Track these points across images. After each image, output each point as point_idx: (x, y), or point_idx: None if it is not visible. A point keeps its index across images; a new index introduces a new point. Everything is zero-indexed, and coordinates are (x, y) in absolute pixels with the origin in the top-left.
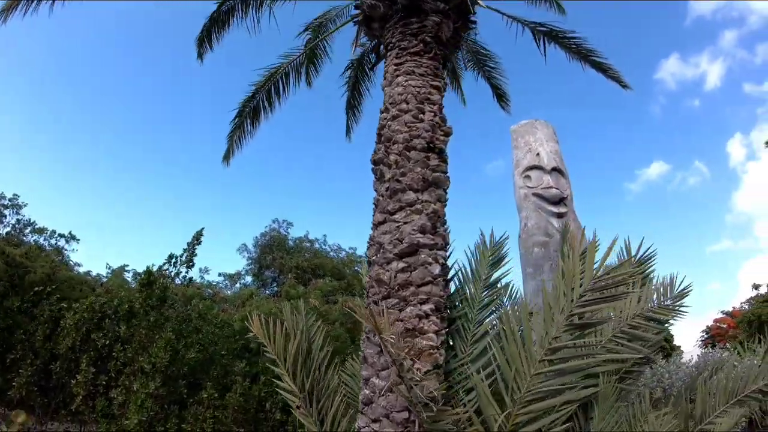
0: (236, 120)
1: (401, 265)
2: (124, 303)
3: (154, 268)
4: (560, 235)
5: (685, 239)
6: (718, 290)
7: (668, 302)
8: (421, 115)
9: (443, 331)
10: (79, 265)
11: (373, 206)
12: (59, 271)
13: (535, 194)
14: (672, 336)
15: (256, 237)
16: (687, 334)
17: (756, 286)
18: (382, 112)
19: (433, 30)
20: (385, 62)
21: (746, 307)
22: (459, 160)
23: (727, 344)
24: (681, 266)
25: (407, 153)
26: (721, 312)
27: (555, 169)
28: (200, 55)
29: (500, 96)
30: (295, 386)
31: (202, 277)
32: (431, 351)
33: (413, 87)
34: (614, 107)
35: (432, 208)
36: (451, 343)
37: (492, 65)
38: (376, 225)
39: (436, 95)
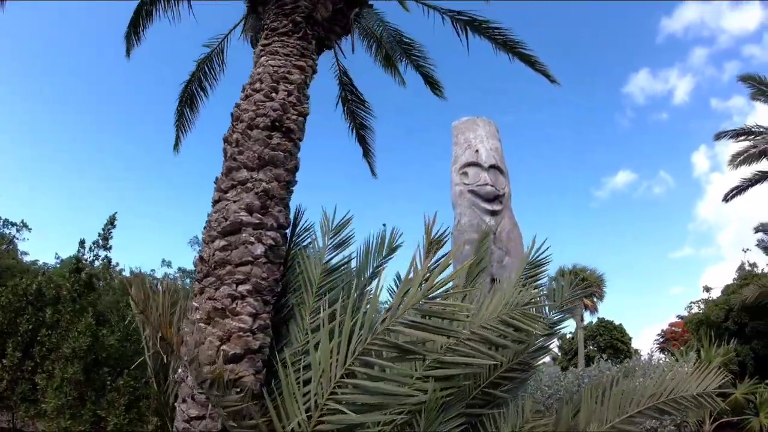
0: (178, 108)
1: (222, 243)
2: (50, 287)
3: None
4: (493, 233)
5: (649, 246)
6: (680, 294)
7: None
8: (273, 93)
9: (264, 315)
10: (25, 253)
11: (214, 185)
12: (1, 258)
13: (470, 191)
14: (630, 339)
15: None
16: (647, 337)
17: (707, 289)
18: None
19: (306, 10)
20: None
21: (696, 309)
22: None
23: (681, 348)
24: (643, 271)
25: (249, 131)
26: (677, 316)
27: (493, 167)
28: (128, 52)
29: (432, 84)
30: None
31: (165, 272)
32: (241, 334)
33: (272, 66)
34: (582, 118)
35: (263, 186)
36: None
37: (418, 54)
38: (213, 204)
39: (296, 75)
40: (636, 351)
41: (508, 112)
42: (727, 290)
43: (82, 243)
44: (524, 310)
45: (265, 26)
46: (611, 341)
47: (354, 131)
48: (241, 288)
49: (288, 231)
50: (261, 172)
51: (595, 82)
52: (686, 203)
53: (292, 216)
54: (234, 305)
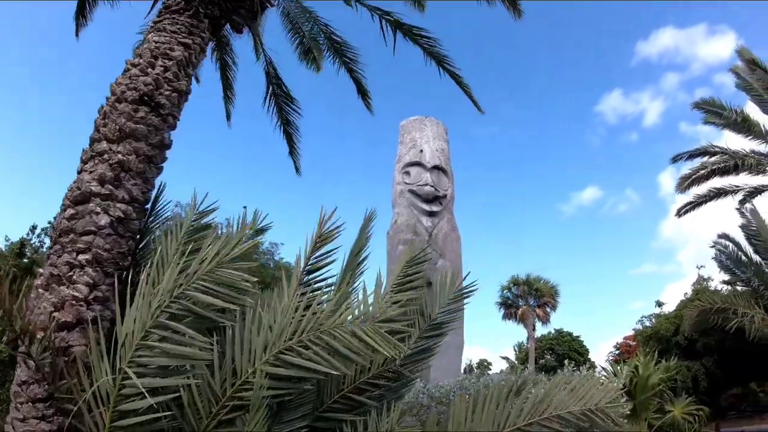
0: None
1: (71, 212)
2: None
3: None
4: (428, 234)
5: (611, 261)
6: (641, 309)
7: None
8: (150, 69)
9: (104, 287)
10: None
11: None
12: None
13: (410, 191)
14: (587, 350)
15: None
16: (606, 350)
17: (659, 304)
18: None
19: None
20: None
21: (649, 324)
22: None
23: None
24: (605, 285)
25: (117, 104)
26: (633, 329)
27: (437, 168)
28: (77, 32)
29: (363, 92)
30: None
31: None
32: (74, 303)
33: (155, 43)
34: (554, 134)
35: (118, 158)
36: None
37: (351, 56)
38: (77, 174)
39: (178, 52)
40: (591, 363)
41: (486, 125)
42: (680, 305)
43: (33, 228)
44: (376, 327)
45: (162, 4)
46: (569, 352)
47: (281, 127)
48: (81, 257)
49: (148, 207)
50: (120, 145)
51: (569, 99)
52: (650, 222)
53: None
54: (71, 273)
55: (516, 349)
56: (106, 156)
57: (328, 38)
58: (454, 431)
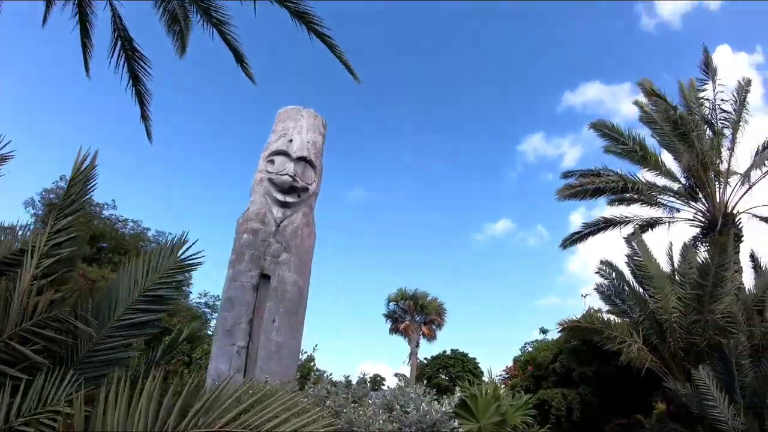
0: None
1: None
2: None
3: None
4: (275, 225)
5: (517, 290)
6: (542, 336)
7: None
8: None
9: None
10: None
11: None
12: None
13: (269, 179)
14: (482, 372)
15: (43, 192)
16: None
17: (543, 331)
18: None
19: None
20: None
21: (530, 349)
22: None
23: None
24: (510, 313)
25: None
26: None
27: (303, 159)
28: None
29: (240, 60)
30: None
31: None
32: None
33: None
34: (475, 166)
35: None
36: None
37: (220, 17)
38: None
39: None
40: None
41: (403, 151)
42: (561, 331)
43: None
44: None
45: None
46: (463, 373)
47: (132, 86)
48: None
49: None
50: None
51: (494, 136)
52: (558, 258)
53: None
54: None
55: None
56: None
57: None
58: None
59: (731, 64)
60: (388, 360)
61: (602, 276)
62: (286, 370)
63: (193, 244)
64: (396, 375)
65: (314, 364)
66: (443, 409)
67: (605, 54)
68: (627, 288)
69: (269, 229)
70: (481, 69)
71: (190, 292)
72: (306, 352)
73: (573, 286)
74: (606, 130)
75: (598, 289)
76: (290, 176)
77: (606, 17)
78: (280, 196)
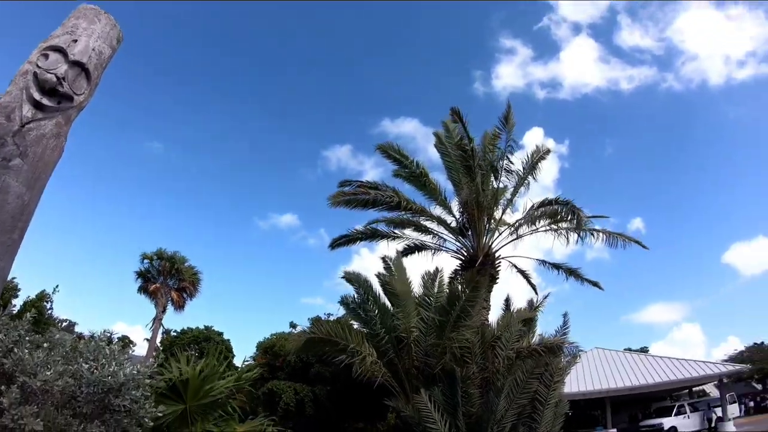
0: None
1: None
2: None
3: None
4: (19, 124)
5: (285, 284)
6: (290, 330)
7: None
8: None
9: None
10: None
11: None
12: None
13: (34, 73)
14: (234, 355)
15: None
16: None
17: (293, 325)
18: None
19: None
20: None
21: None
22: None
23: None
24: (272, 304)
25: None
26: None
27: (80, 65)
28: None
29: None
30: None
31: None
32: None
33: None
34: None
35: None
36: None
37: None
38: None
39: None
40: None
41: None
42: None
43: None
44: None
45: None
46: (215, 353)
47: None
48: None
49: None
50: None
51: (304, 134)
52: (333, 263)
53: None
54: None
55: (164, 334)
56: None
57: None
58: None
59: (540, 142)
60: (144, 323)
61: (352, 284)
62: None
63: None
64: (147, 340)
65: (49, 305)
66: (134, 372)
67: (432, 97)
68: (372, 300)
69: (11, 127)
70: (329, 69)
71: None
72: (46, 292)
73: (340, 293)
74: (392, 152)
75: (343, 301)
76: (57, 77)
77: (447, 68)
78: (37, 95)
